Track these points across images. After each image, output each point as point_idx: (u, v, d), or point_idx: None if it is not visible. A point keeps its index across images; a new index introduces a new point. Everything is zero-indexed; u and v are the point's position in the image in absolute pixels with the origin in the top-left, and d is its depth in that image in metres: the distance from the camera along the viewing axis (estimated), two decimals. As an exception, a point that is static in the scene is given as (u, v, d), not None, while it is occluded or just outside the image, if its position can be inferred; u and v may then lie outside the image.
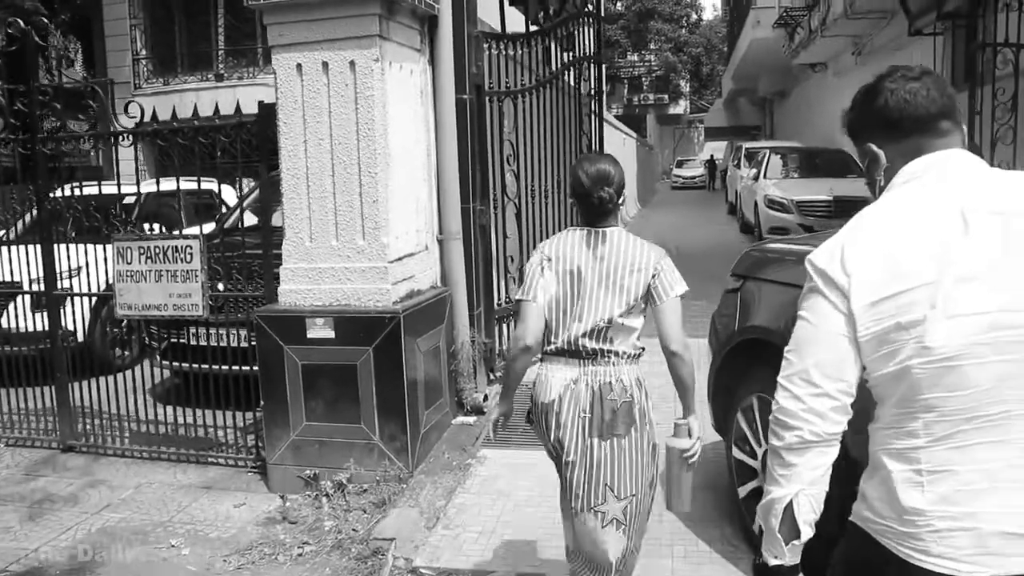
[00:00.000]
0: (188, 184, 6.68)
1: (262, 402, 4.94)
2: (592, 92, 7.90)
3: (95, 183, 5.53)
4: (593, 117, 7.92)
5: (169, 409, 5.45)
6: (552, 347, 2.91)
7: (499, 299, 6.26)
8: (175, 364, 6.15)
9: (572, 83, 7.44)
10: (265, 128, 4.99)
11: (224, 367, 5.18)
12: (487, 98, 5.92)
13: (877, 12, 14.64)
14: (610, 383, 2.83)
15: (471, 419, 5.55)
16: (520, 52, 6.32)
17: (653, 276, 2.83)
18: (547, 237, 7.00)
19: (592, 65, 7.74)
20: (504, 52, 6.11)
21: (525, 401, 3.12)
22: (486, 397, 5.72)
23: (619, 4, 50.84)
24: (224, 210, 7.92)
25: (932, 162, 1.63)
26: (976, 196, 1.56)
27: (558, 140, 7.11)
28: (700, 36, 52.55)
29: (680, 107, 57.23)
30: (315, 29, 4.69)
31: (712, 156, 46.00)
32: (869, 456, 1.68)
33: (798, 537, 1.68)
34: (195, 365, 5.42)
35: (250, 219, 5.98)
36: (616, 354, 2.84)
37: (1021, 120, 7.59)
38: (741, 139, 38.31)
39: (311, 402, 4.82)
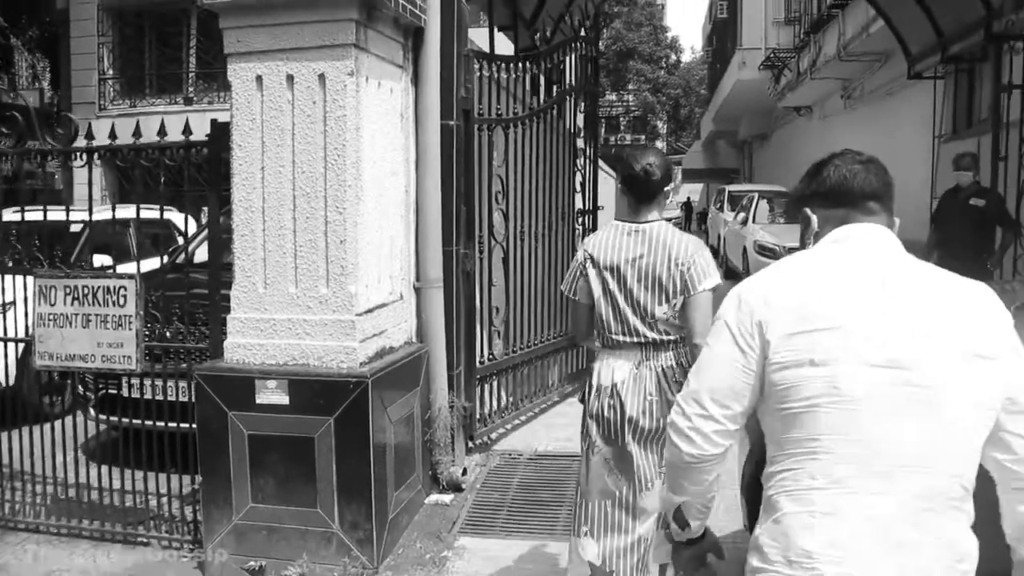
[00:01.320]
0: (150, 213, 5.89)
1: (200, 477, 4.14)
2: (586, 124, 7.23)
3: (40, 207, 4.71)
4: (588, 150, 7.24)
5: (102, 469, 4.61)
6: (609, 340, 3.10)
7: (482, 356, 5.50)
8: (110, 418, 5.31)
9: (567, 114, 6.76)
10: (218, 151, 4.24)
11: (166, 423, 4.38)
12: (476, 126, 5.21)
13: (871, 55, 14.20)
14: (672, 366, 3.03)
15: (447, 497, 4.76)
16: (513, 76, 5.62)
17: (688, 268, 2.97)
18: (537, 285, 6.34)
19: (586, 96, 7.07)
20: (495, 75, 5.41)
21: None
22: (465, 471, 4.94)
23: (600, 43, 50.68)
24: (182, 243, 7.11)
25: (857, 231, 1.80)
26: (891, 264, 1.76)
27: (550, 176, 6.40)
28: (679, 78, 52.54)
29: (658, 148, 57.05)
30: (279, 35, 3.96)
31: (688, 198, 46.03)
32: (764, 502, 1.75)
33: (689, 527, 1.95)
34: (132, 420, 4.62)
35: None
36: (673, 341, 3.03)
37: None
38: (719, 181, 38.17)
39: (259, 480, 4.03)
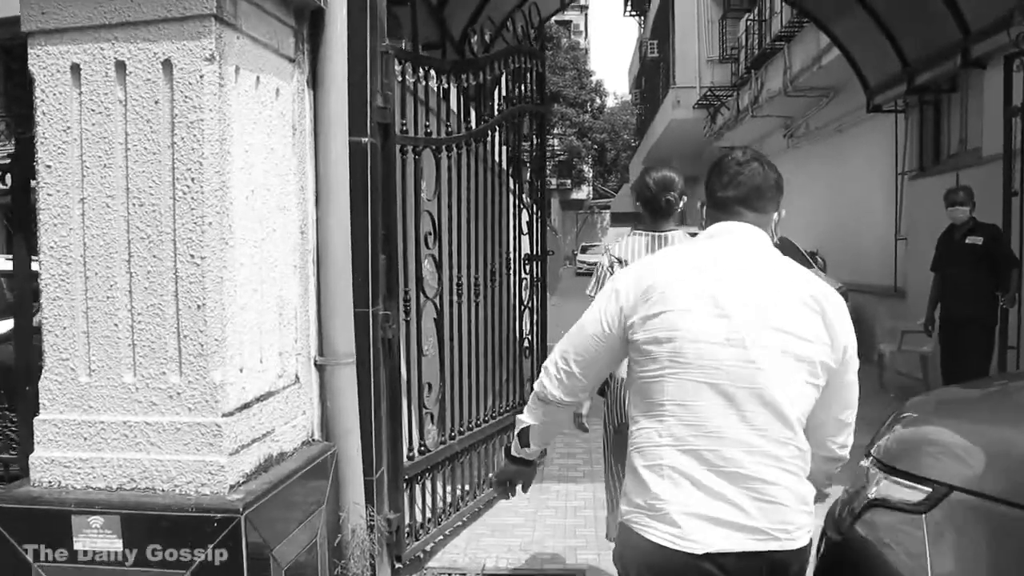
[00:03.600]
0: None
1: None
2: (533, 153, 6.07)
3: None
4: (535, 181, 6.06)
5: None
6: None
7: (411, 449, 4.20)
8: None
9: (511, 138, 5.58)
10: (25, 177, 2.93)
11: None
12: (398, 146, 3.97)
13: (819, 89, 13.44)
14: None
15: (365, 657, 3.43)
16: (446, 85, 4.41)
17: None
18: (479, 350, 5.07)
19: (532, 117, 5.91)
20: (422, 82, 4.19)
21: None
22: (391, 613, 3.62)
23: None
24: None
25: (723, 229, 2.13)
26: (739, 255, 2.07)
27: (493, 213, 5.19)
28: (604, 122, 52.31)
29: (583, 192, 56.75)
30: (105, 5, 2.68)
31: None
32: (627, 458, 2.10)
33: (526, 449, 2.33)
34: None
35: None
36: None
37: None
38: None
39: (72, 674, 2.66)
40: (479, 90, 4.90)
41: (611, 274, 3.39)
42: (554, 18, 44.85)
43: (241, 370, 2.83)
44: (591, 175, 57.27)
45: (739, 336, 1.95)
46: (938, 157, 10.39)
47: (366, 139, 3.59)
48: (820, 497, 2.22)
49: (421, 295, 4.22)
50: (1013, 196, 6.26)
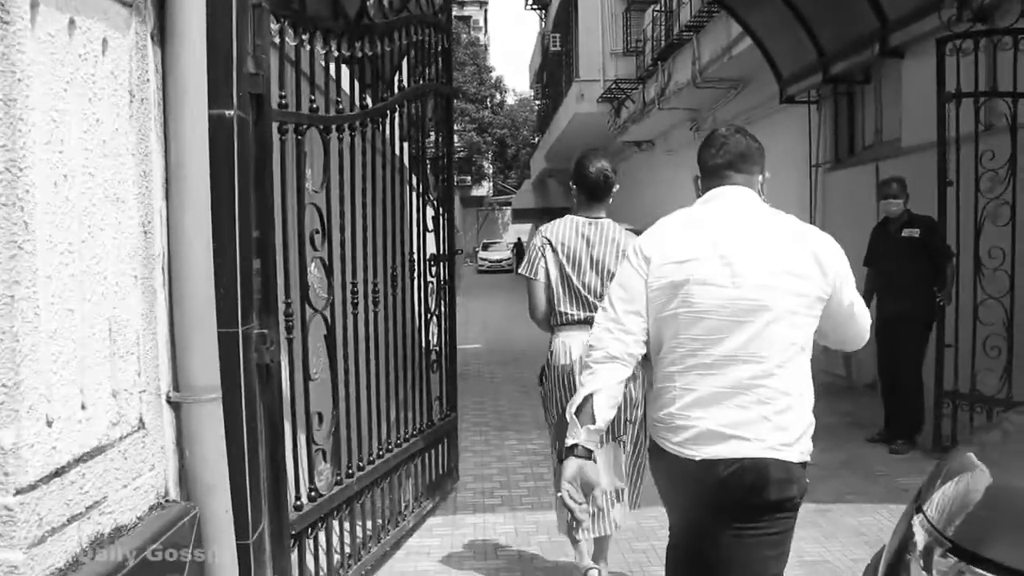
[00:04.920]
0: None
1: None
2: (440, 139, 5.37)
3: None
4: (441, 172, 5.36)
5: None
6: (565, 318, 3.69)
7: (298, 496, 3.44)
8: None
9: (414, 121, 4.87)
10: None
11: None
12: (276, 124, 3.20)
13: (728, 81, 13.12)
14: None
15: None
16: (336, 52, 3.66)
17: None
18: (380, 367, 4.34)
19: (438, 98, 5.20)
20: (307, 46, 3.43)
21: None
22: None
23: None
24: None
25: (717, 193, 2.47)
26: (736, 213, 2.41)
27: (393, 208, 4.46)
28: (504, 117, 51.83)
29: (484, 189, 56.20)
30: None
31: (520, 239, 45.12)
32: (651, 384, 2.50)
33: (594, 423, 2.34)
34: None
35: None
36: None
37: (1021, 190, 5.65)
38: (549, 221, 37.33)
39: None
40: (376, 64, 4.17)
41: (543, 253, 3.69)
42: (454, 13, 44.16)
43: (50, 423, 2.04)
44: (491, 171, 56.77)
45: (740, 279, 2.28)
46: (853, 149, 10.12)
47: (231, 112, 2.81)
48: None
49: (307, 307, 3.46)
50: (948, 186, 5.86)
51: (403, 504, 4.58)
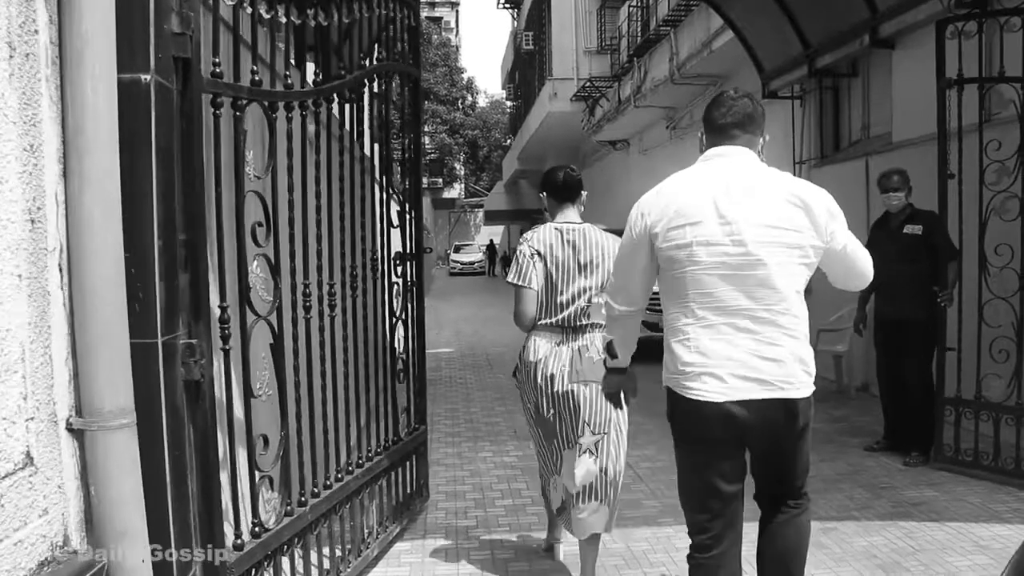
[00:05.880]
0: None
1: None
2: (402, 126, 4.90)
3: None
4: (407, 162, 4.88)
5: None
6: (543, 321, 3.76)
7: (238, 535, 2.94)
8: None
9: (376, 103, 4.40)
10: None
11: None
12: (209, 96, 2.72)
13: (706, 77, 12.73)
14: (587, 345, 3.71)
15: None
16: (284, 19, 3.18)
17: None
18: (336, 380, 3.86)
19: (403, 79, 4.73)
20: (247, 9, 2.95)
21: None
22: None
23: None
24: None
25: (719, 151, 2.76)
26: (738, 171, 2.68)
27: (350, 200, 3.99)
28: (476, 119, 51.38)
29: (455, 190, 55.71)
30: None
31: (492, 241, 44.67)
32: (664, 337, 2.78)
33: (616, 358, 3.08)
34: None
35: None
36: (592, 325, 3.73)
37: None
38: (522, 223, 36.85)
39: None
40: (330, 37, 3.69)
41: (532, 264, 3.73)
42: (424, 14, 43.54)
43: None
44: (463, 173, 56.30)
45: (740, 237, 2.59)
46: (838, 144, 9.77)
47: (148, 76, 2.33)
48: None
49: (248, 312, 2.97)
50: (950, 179, 5.46)
51: (366, 531, 4.09)
